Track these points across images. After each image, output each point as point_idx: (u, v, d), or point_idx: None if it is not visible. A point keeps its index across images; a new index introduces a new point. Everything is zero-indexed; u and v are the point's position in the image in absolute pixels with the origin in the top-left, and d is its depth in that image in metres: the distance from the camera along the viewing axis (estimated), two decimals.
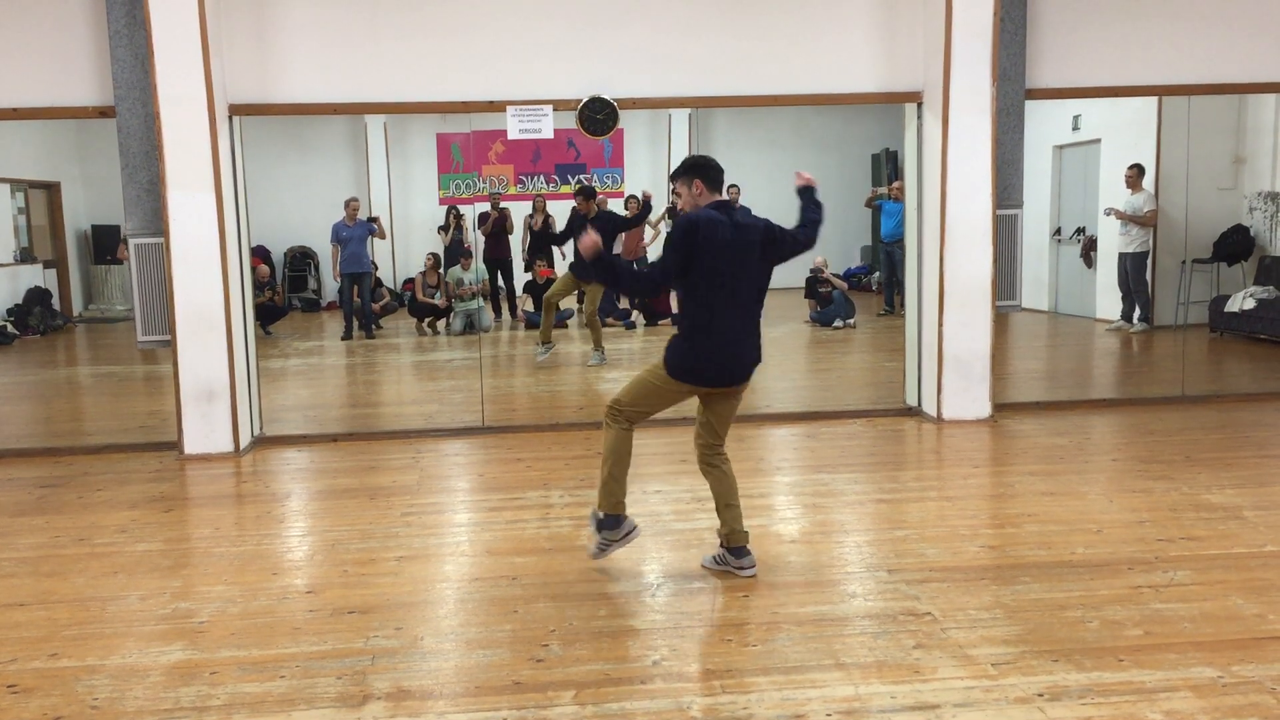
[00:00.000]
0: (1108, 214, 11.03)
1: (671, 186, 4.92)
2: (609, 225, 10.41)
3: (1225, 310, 10.88)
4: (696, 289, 4.62)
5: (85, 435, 8.50)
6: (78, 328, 14.58)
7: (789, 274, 14.73)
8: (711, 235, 4.56)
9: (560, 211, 14.07)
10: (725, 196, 4.82)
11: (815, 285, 13.60)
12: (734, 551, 4.78)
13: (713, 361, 4.66)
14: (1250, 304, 10.61)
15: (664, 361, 4.73)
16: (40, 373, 12.17)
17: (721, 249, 4.57)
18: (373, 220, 13.48)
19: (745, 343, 4.71)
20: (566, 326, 13.65)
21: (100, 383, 11.27)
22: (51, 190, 14.31)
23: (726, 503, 4.81)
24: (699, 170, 4.75)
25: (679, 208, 4.84)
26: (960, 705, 3.52)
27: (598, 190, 12.06)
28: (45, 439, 8.32)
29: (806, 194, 5.14)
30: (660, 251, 14.85)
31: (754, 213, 13.31)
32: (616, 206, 14.53)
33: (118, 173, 7.34)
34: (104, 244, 14.61)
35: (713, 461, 4.87)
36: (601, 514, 4.80)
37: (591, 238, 4.52)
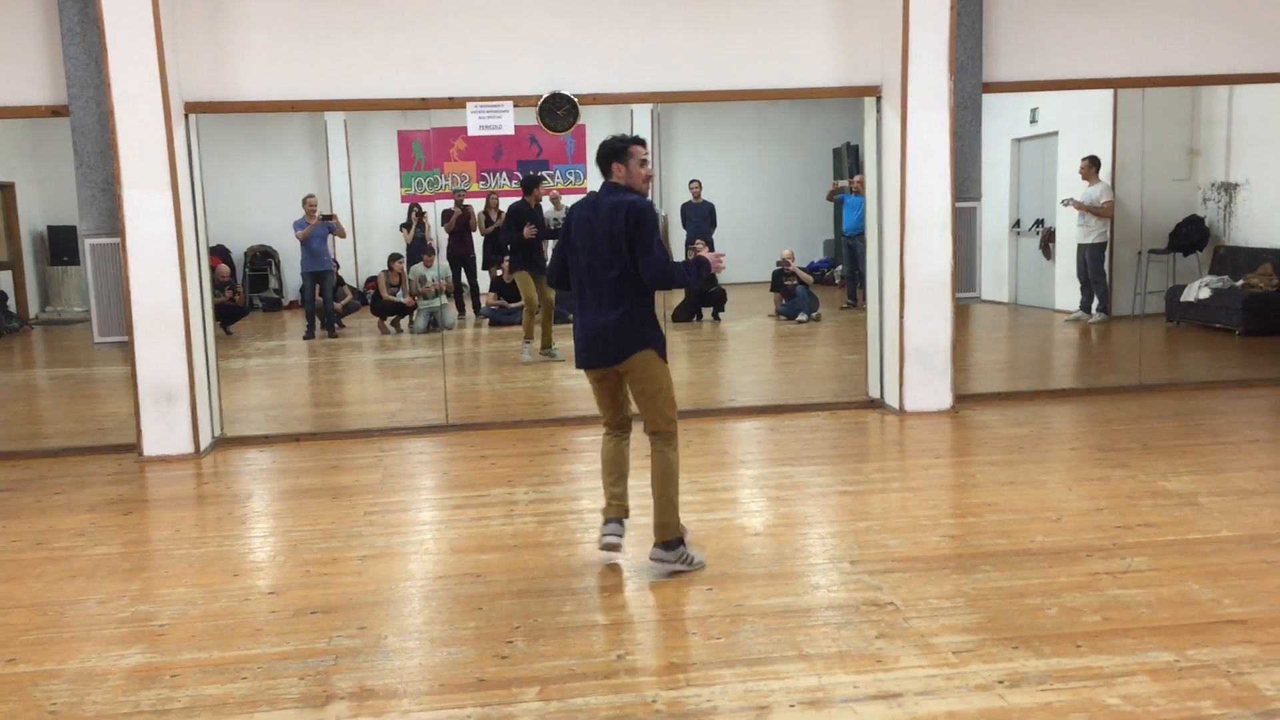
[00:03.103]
0: (1066, 204, 11.15)
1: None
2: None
3: (1181, 300, 11.03)
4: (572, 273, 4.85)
5: (42, 438, 8.39)
6: (34, 330, 14.38)
7: (755, 268, 14.90)
8: (570, 220, 4.84)
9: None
10: (613, 178, 4.79)
11: (781, 278, 13.64)
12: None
13: (578, 343, 4.81)
14: (1205, 293, 10.76)
15: None
16: None
17: (576, 233, 4.77)
18: (329, 218, 13.35)
19: (600, 325, 4.70)
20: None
21: (57, 385, 11.13)
22: (5, 191, 14.09)
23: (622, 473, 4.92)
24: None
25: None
26: (922, 693, 3.56)
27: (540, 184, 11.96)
28: (1, 442, 8.19)
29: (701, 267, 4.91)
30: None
31: (716, 209, 13.12)
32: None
33: (72, 172, 7.25)
34: (60, 245, 14.41)
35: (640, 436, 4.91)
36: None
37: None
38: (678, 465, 4.80)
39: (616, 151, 4.78)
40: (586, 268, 4.72)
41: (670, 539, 4.76)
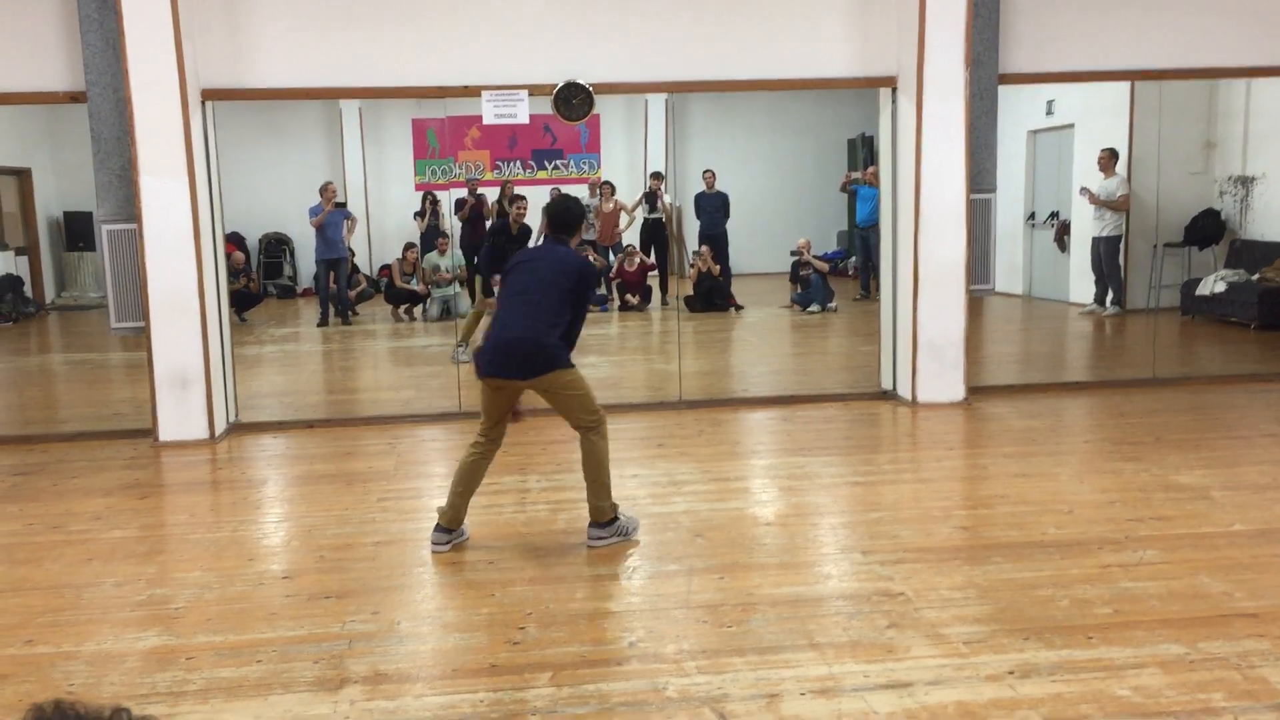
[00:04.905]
0: (1082, 194, 11.10)
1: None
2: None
3: (1196, 294, 10.98)
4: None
5: (59, 423, 8.45)
6: (50, 315, 14.46)
7: (768, 259, 14.86)
8: (523, 254, 5.30)
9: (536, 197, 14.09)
10: (567, 237, 5.18)
11: (797, 268, 13.62)
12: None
13: (494, 354, 4.97)
14: (1221, 287, 10.71)
15: None
16: (13, 360, 12.07)
17: (530, 263, 5.10)
18: (343, 205, 13.36)
19: (526, 342, 4.90)
20: None
21: (74, 370, 11.20)
22: (22, 177, 14.17)
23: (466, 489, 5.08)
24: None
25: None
26: (932, 683, 3.57)
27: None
28: (19, 426, 8.26)
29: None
30: (636, 237, 14.75)
31: (729, 199, 13.28)
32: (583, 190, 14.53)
33: (89, 159, 7.29)
34: (76, 230, 14.48)
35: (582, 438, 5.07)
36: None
37: None
38: (607, 452, 5.02)
39: (581, 219, 5.30)
40: (524, 293, 4.94)
41: (605, 520, 4.99)
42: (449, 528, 5.03)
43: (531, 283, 4.97)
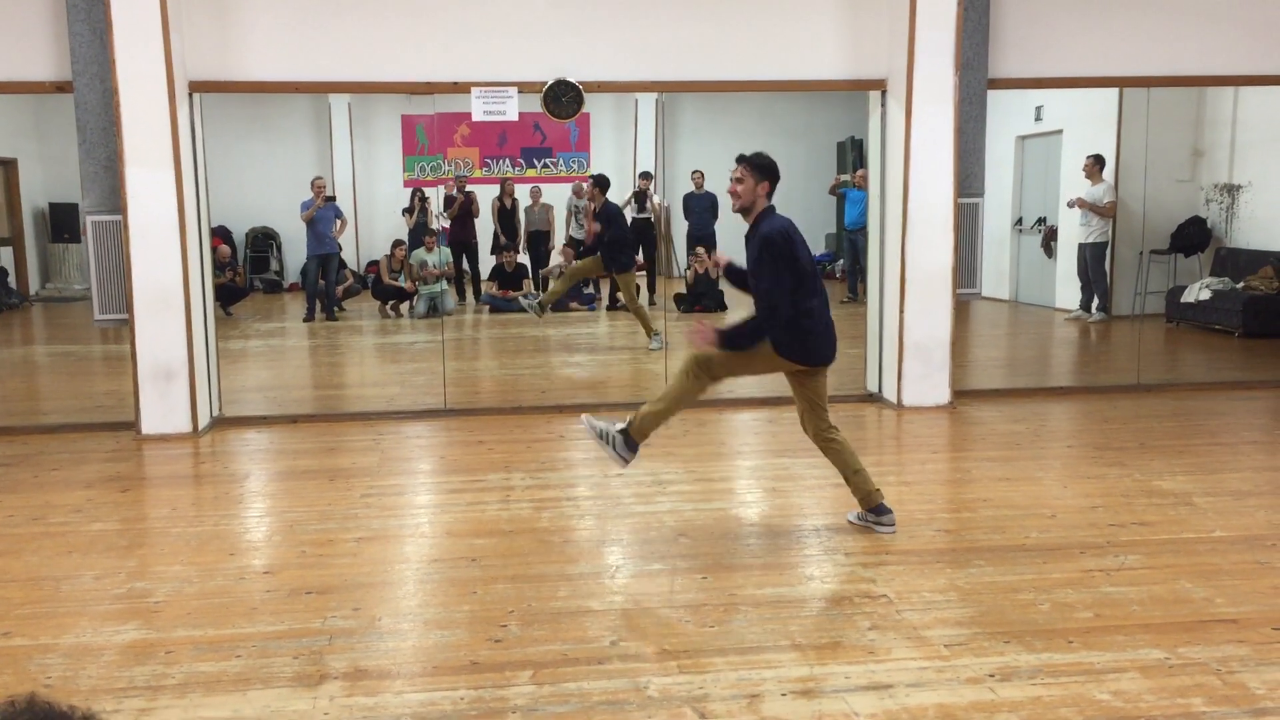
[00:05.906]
0: (1071, 205, 11.14)
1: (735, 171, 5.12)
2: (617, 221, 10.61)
3: (1181, 301, 11.03)
4: (799, 289, 4.95)
5: (41, 414, 8.41)
6: (34, 306, 14.36)
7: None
8: (792, 236, 5.00)
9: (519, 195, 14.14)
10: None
11: None
12: (876, 510, 5.10)
13: (827, 341, 5.09)
14: (1206, 295, 10.76)
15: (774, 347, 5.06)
16: None
17: (799, 246, 4.99)
18: (332, 199, 13.31)
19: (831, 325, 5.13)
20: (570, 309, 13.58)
21: (57, 362, 11.14)
22: (8, 167, 14.04)
23: (853, 469, 5.09)
24: (772, 175, 5.08)
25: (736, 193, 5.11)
26: (913, 685, 3.57)
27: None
28: (0, 418, 8.21)
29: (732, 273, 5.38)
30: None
31: (718, 200, 13.32)
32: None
33: (76, 149, 7.24)
34: (61, 222, 14.39)
35: (829, 436, 5.13)
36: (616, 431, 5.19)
37: (704, 334, 5.12)
38: (840, 451, 5.16)
39: None
40: (813, 275, 5.00)
41: (867, 506, 5.13)
42: (886, 505, 5.12)
43: (810, 267, 5.00)
